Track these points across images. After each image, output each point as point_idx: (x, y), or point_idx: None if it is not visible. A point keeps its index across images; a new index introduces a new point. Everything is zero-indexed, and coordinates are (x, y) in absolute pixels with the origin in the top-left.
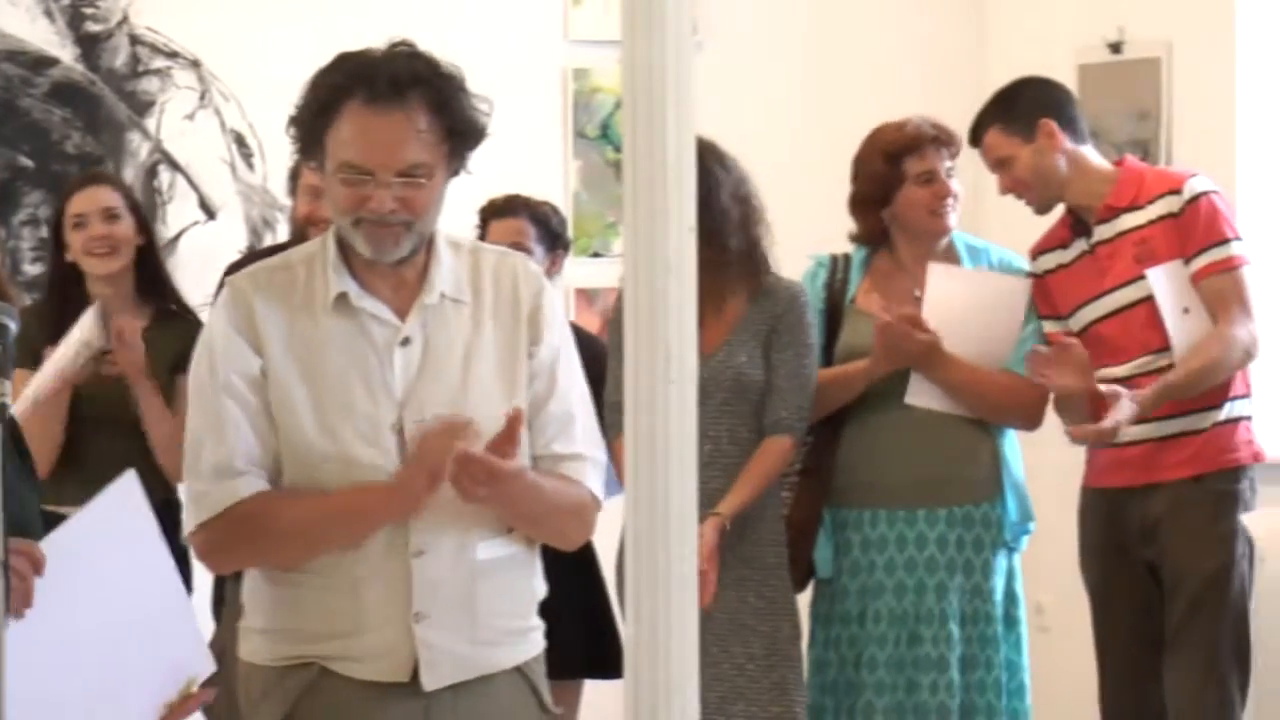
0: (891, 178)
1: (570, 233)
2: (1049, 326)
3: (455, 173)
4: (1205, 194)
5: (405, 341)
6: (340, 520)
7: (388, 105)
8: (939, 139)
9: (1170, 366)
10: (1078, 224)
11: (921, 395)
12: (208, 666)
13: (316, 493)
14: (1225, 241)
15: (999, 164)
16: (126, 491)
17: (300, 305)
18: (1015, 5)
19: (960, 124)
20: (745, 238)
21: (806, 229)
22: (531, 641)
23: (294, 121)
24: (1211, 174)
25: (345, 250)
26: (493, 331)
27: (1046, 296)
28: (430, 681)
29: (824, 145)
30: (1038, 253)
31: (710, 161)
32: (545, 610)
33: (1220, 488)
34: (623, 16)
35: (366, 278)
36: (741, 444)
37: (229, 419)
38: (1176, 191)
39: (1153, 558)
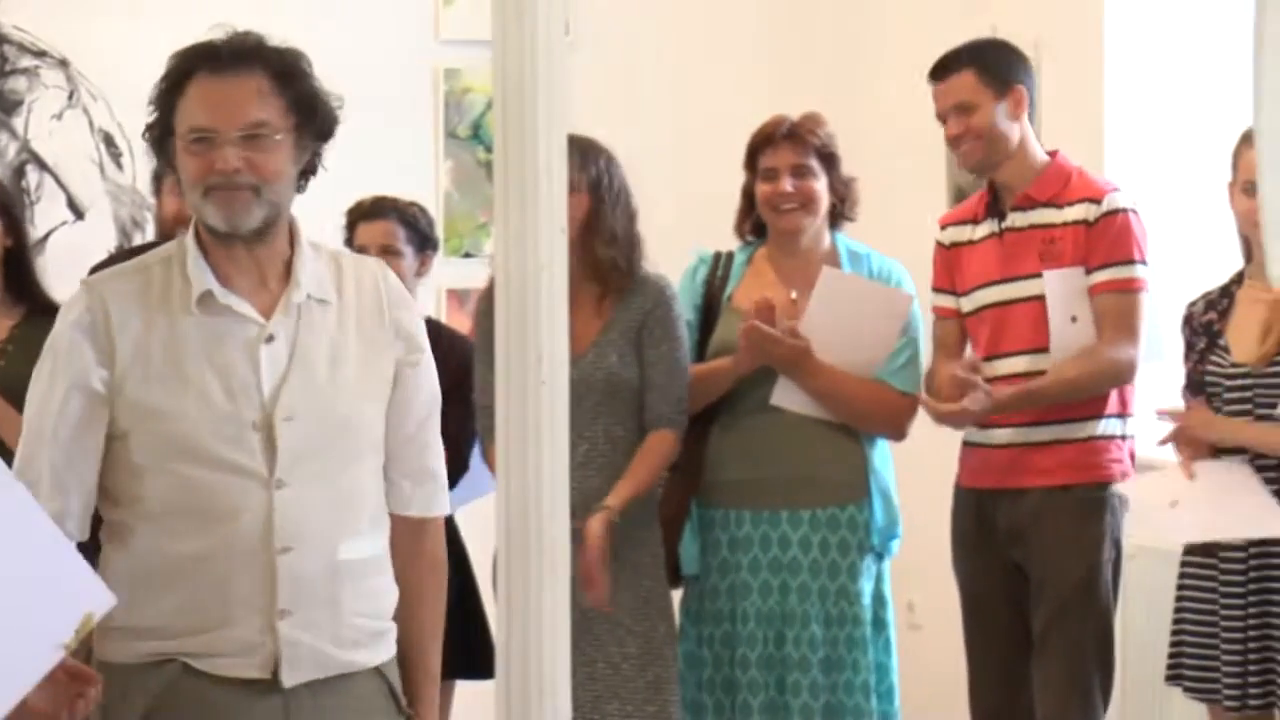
0: (751, 174)
1: (441, 233)
2: (938, 299)
3: (310, 164)
4: (1124, 210)
5: (270, 339)
6: None
7: (230, 72)
8: (793, 135)
9: (1040, 373)
10: (994, 204)
11: (787, 398)
12: (107, 599)
13: None
14: (1130, 262)
15: (960, 107)
16: None
17: (157, 307)
18: (888, 6)
19: (833, 121)
20: (628, 237)
21: (678, 226)
22: (389, 643)
23: (149, 126)
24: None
25: (206, 248)
26: (356, 335)
27: (946, 268)
28: (290, 679)
29: (696, 144)
30: (946, 224)
31: (601, 159)
32: None
33: (1088, 495)
34: (494, 16)
35: (229, 275)
36: (617, 443)
37: (56, 438)
38: (1097, 201)
39: (1020, 559)
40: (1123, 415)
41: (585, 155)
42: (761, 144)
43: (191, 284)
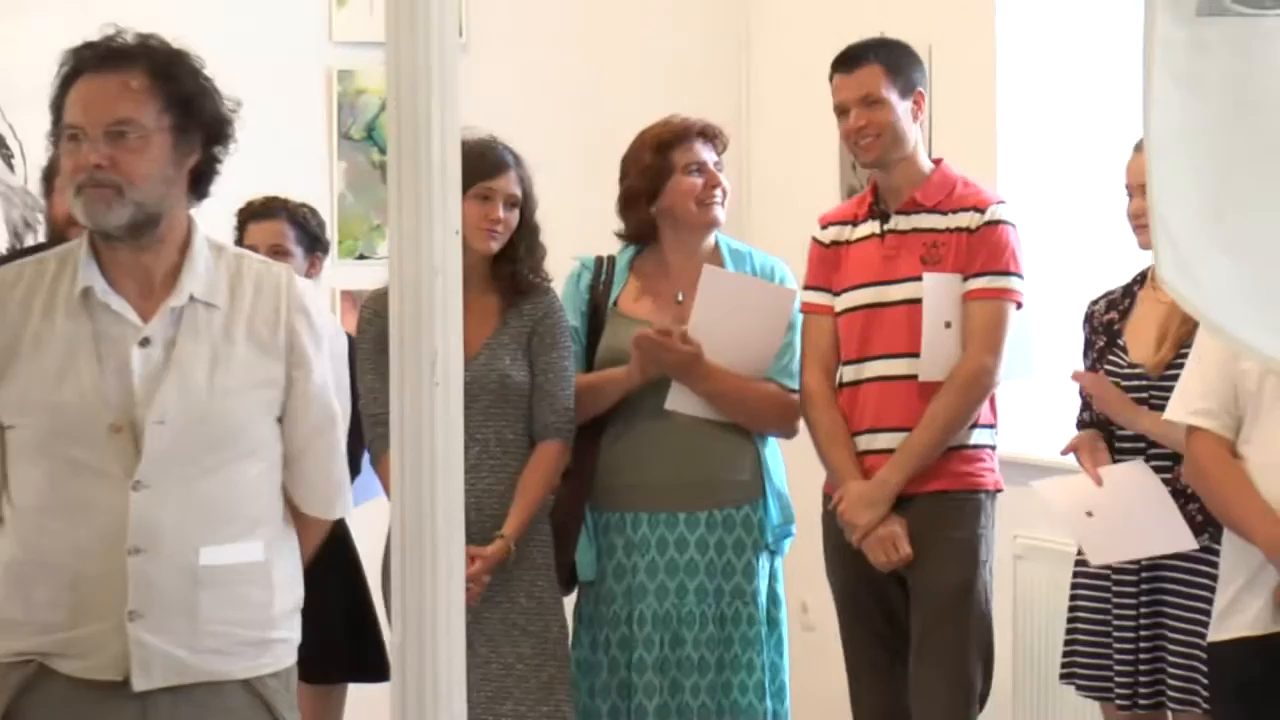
0: (661, 169)
1: (335, 235)
2: (812, 296)
3: (202, 168)
4: (1005, 223)
5: (145, 342)
6: None
7: (104, 70)
8: (705, 133)
9: (910, 376)
10: (875, 206)
11: (681, 402)
12: None
13: None
14: (1006, 273)
15: (865, 100)
16: None
17: (43, 303)
18: (781, 8)
19: (723, 122)
20: (538, 251)
21: (568, 230)
22: (272, 655)
23: (52, 124)
24: (973, 171)
25: (97, 249)
26: (245, 341)
27: (823, 265)
28: (141, 683)
29: (588, 147)
30: (827, 223)
31: (527, 173)
32: (307, 614)
33: (963, 502)
34: (387, 18)
35: (114, 274)
36: (507, 445)
37: None
38: (981, 210)
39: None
40: (992, 426)
41: (522, 170)
42: (677, 139)
43: (77, 280)
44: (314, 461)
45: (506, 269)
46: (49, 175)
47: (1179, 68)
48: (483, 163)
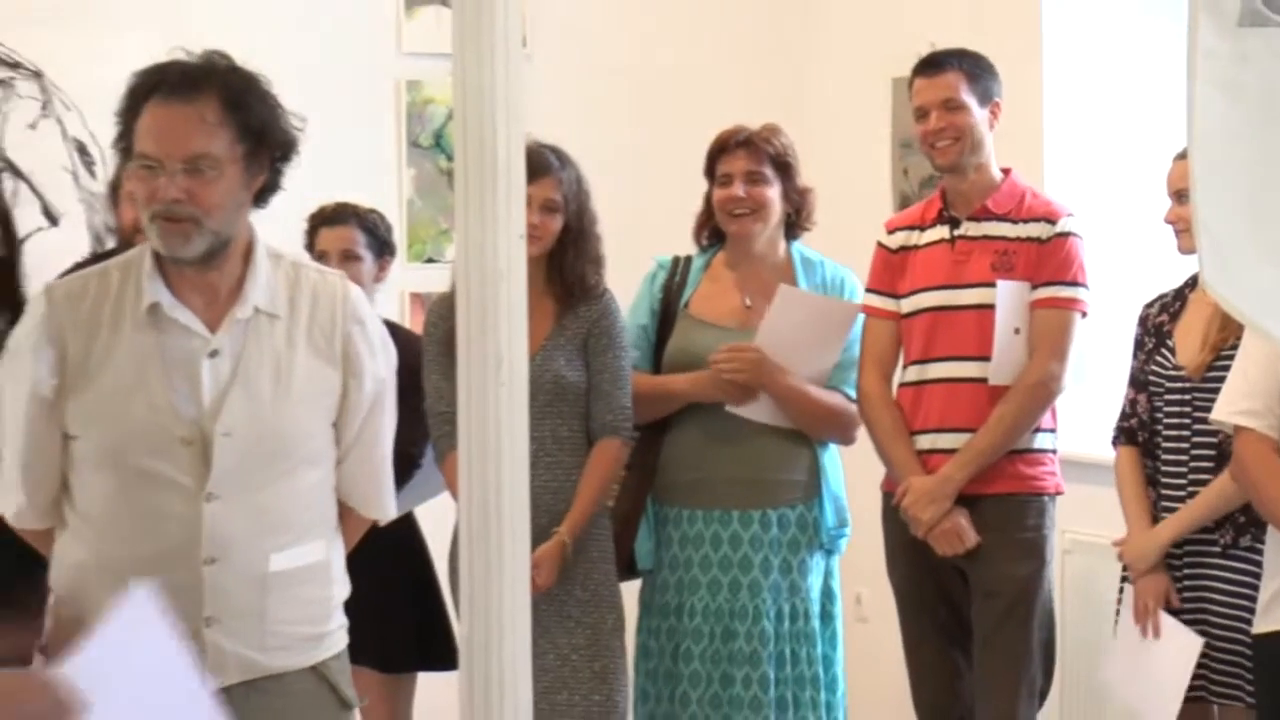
0: (711, 179)
1: (404, 239)
2: (873, 300)
3: (267, 184)
4: (1073, 235)
5: (214, 354)
6: None
7: (179, 99)
8: (749, 143)
9: (980, 379)
10: (944, 211)
11: (743, 408)
12: None
13: None
14: (1074, 284)
15: (946, 103)
16: (143, 603)
17: (110, 315)
18: (834, 20)
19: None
20: (598, 256)
21: (631, 231)
22: (328, 643)
23: (118, 139)
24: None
25: (160, 260)
26: (306, 350)
27: (888, 270)
28: (216, 681)
29: (648, 152)
30: (894, 228)
31: (577, 178)
32: (379, 606)
33: (1026, 504)
34: (454, 30)
35: (180, 287)
36: (562, 443)
37: (19, 437)
38: (1051, 222)
39: (958, 563)
40: (1053, 430)
41: (565, 174)
42: (718, 151)
43: (143, 295)
44: (366, 465)
45: (559, 273)
46: (115, 186)
47: (1221, 76)
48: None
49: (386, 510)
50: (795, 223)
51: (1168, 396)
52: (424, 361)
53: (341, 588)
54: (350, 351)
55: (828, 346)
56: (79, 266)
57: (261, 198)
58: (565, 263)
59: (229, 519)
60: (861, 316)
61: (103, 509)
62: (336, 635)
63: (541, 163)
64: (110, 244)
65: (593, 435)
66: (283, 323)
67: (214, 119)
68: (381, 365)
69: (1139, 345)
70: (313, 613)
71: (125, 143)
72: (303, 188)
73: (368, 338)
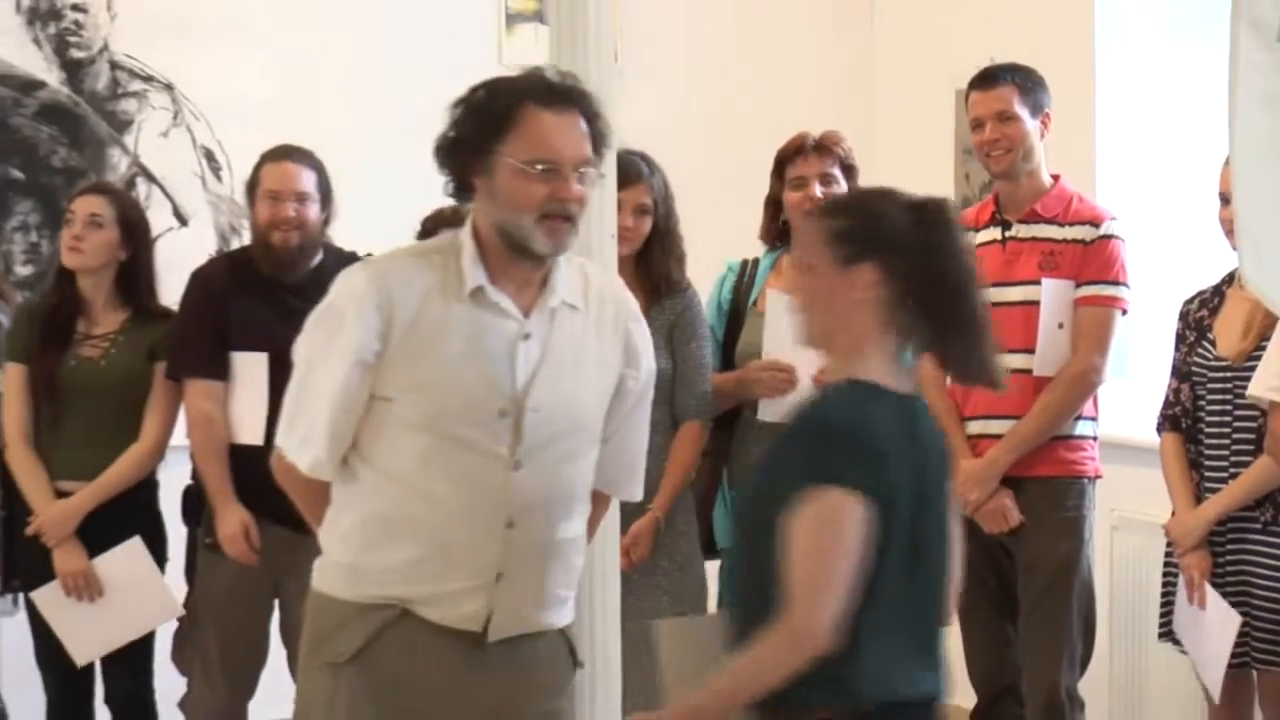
0: (779, 183)
1: None
2: None
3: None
4: (1115, 237)
5: (527, 337)
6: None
7: (564, 108)
8: (820, 147)
9: (1025, 370)
10: (997, 214)
11: (771, 412)
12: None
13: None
14: (1116, 283)
15: (1000, 115)
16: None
17: (434, 292)
18: (901, 36)
19: (851, 138)
20: (681, 253)
21: (710, 234)
22: (572, 606)
23: (457, 140)
24: (1073, 182)
25: (482, 248)
26: (597, 339)
27: None
28: (496, 634)
29: (728, 160)
30: None
31: (663, 182)
32: None
33: (1068, 486)
34: (552, 44)
35: (498, 275)
36: (652, 425)
37: (328, 397)
38: (1095, 225)
39: (1005, 541)
40: (1094, 418)
41: (655, 180)
42: (790, 155)
43: (466, 278)
44: (627, 452)
45: (647, 270)
46: (251, 187)
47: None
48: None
49: (635, 493)
50: None
51: (1210, 385)
52: None
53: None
54: (631, 344)
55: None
56: (215, 261)
57: None
58: (653, 260)
59: (531, 487)
60: None
61: (412, 467)
62: (573, 603)
63: (634, 170)
64: (235, 243)
65: (677, 419)
66: (581, 314)
67: (585, 128)
68: (651, 359)
69: (1180, 339)
70: (571, 579)
71: (481, 148)
72: (412, 194)
73: (644, 334)
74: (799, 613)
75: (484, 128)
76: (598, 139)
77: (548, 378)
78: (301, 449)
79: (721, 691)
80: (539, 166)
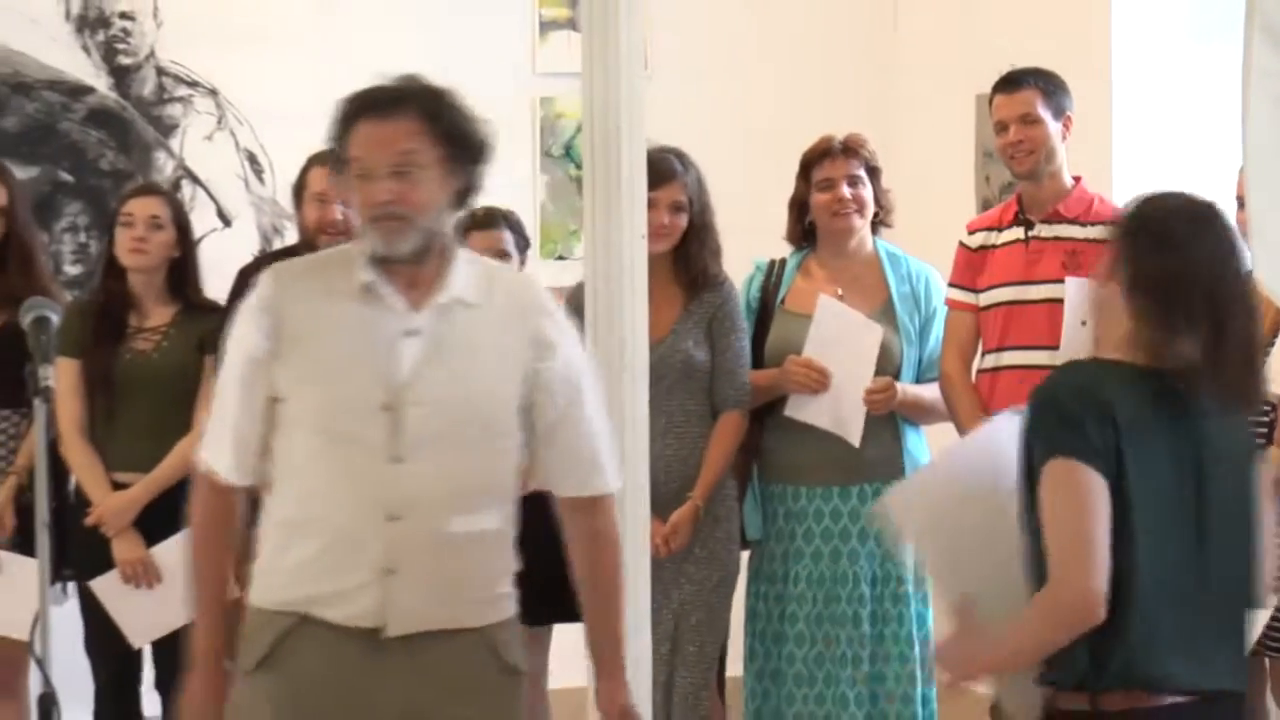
0: (805, 185)
1: (537, 238)
2: (955, 294)
3: (464, 187)
4: None
5: (413, 332)
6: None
7: (385, 114)
8: (846, 150)
9: (1049, 366)
10: (1020, 214)
11: (799, 410)
12: None
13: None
14: None
15: (1024, 118)
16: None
17: (325, 293)
18: (923, 43)
19: (876, 141)
20: (718, 248)
21: (736, 233)
22: (497, 608)
23: (332, 155)
24: (1090, 183)
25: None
26: (497, 336)
27: (969, 267)
28: (394, 629)
29: (754, 163)
30: (974, 229)
31: (700, 180)
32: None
33: None
34: (583, 52)
35: (390, 274)
36: (689, 415)
37: (232, 399)
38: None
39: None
40: None
41: (689, 177)
42: (817, 158)
43: (356, 276)
44: (583, 448)
45: (685, 264)
46: (299, 190)
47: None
48: (650, 173)
49: (608, 484)
50: (880, 220)
51: None
52: None
53: (512, 560)
54: (541, 338)
55: (862, 363)
56: (260, 261)
57: (461, 200)
58: (690, 255)
59: (416, 481)
60: (879, 335)
61: (303, 466)
62: (504, 603)
63: (668, 168)
64: (277, 243)
65: (716, 409)
66: (479, 311)
67: (414, 128)
68: (572, 349)
69: None
70: (486, 577)
71: (339, 158)
72: None
73: (559, 326)
74: (1058, 582)
75: (337, 144)
76: (445, 134)
77: (436, 372)
78: (218, 456)
79: (990, 650)
80: (357, 173)
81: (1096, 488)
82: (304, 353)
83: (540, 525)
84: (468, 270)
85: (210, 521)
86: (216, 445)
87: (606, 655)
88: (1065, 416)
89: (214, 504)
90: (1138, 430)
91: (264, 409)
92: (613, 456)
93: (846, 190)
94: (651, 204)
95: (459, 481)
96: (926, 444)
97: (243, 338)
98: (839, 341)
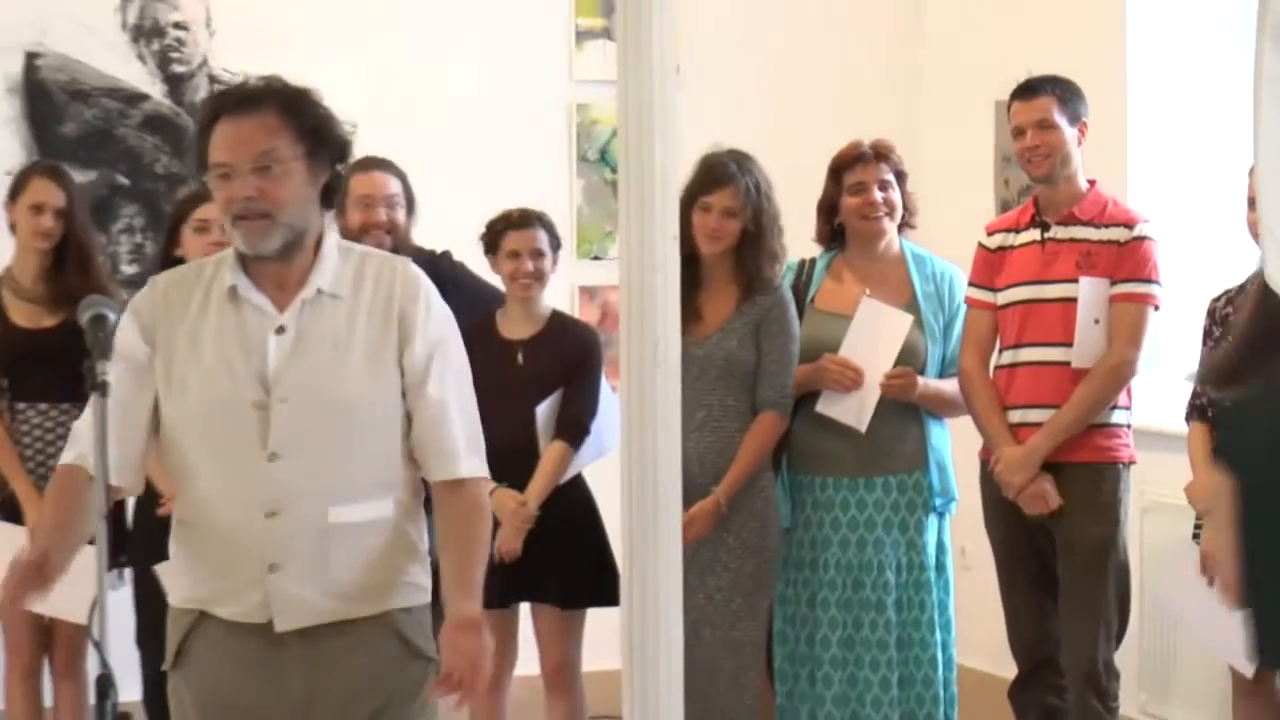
0: (835, 189)
1: (574, 239)
2: (974, 293)
3: (330, 183)
4: (1148, 238)
5: (280, 330)
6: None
7: (243, 113)
8: (877, 155)
9: (1064, 363)
10: (1036, 217)
11: (829, 406)
12: None
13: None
14: (1148, 281)
15: (1040, 124)
16: None
17: (198, 299)
18: (944, 53)
19: (902, 147)
20: (776, 254)
21: None
22: (398, 596)
23: (196, 158)
24: (1106, 186)
25: (243, 256)
26: (365, 326)
27: (987, 267)
28: (283, 624)
29: (783, 166)
30: (993, 231)
31: (762, 185)
32: (559, 553)
33: (1104, 471)
34: (618, 60)
35: (256, 275)
36: (729, 411)
37: (114, 400)
38: (1129, 227)
39: (1045, 523)
40: (1128, 407)
41: (744, 182)
42: (848, 163)
43: (225, 281)
44: (419, 430)
45: (739, 267)
46: (343, 193)
47: None
48: (705, 178)
49: (460, 469)
50: (905, 222)
51: None
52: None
53: (414, 547)
54: (404, 322)
55: (883, 355)
56: None
57: (327, 198)
58: (743, 258)
59: (292, 476)
60: (908, 323)
61: (191, 470)
62: (408, 590)
63: (724, 173)
64: None
65: (756, 407)
66: (345, 303)
67: (274, 124)
68: (435, 333)
69: (1207, 334)
70: (376, 564)
71: (201, 160)
72: (489, 195)
73: (422, 309)
74: None
75: (197, 147)
76: (305, 131)
77: (300, 367)
78: (70, 445)
79: None
80: (216, 172)
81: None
82: (180, 359)
83: (573, 511)
84: (338, 262)
85: (71, 499)
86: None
87: (457, 581)
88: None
89: (77, 490)
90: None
91: (148, 414)
92: (471, 442)
93: (877, 194)
94: (706, 207)
95: (334, 473)
96: (950, 438)
97: (118, 342)
98: (872, 337)
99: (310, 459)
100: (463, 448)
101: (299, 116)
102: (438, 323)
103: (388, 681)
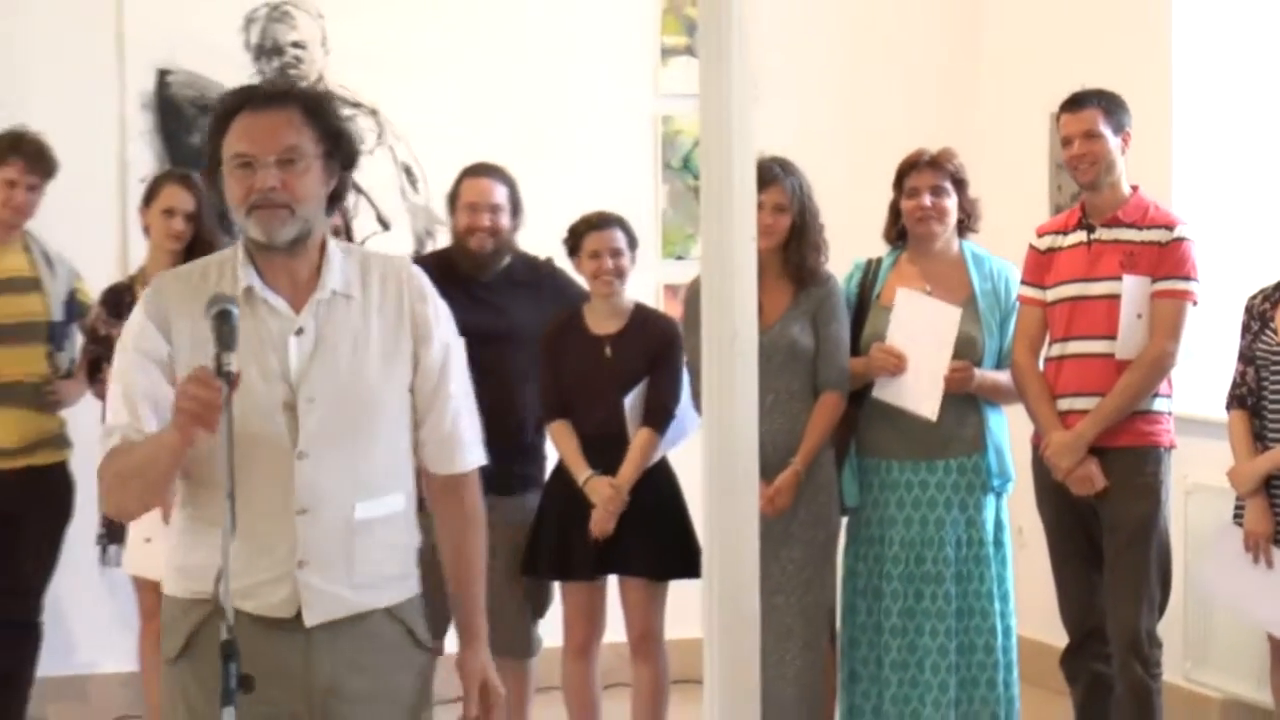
0: (898, 192)
1: (659, 241)
2: (1026, 291)
3: (336, 190)
4: (1187, 240)
5: (299, 331)
6: (143, 464)
7: (266, 107)
8: (933, 162)
9: (1109, 355)
10: (1083, 220)
11: (883, 390)
12: None
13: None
14: (1187, 279)
15: (1087, 134)
16: None
17: (209, 300)
18: (1001, 66)
19: (964, 155)
20: (820, 248)
21: (838, 235)
22: (405, 585)
23: (208, 151)
24: (1151, 190)
25: (252, 254)
26: (378, 324)
27: (1037, 267)
28: (311, 619)
29: (851, 173)
30: (1043, 233)
31: (804, 186)
32: (648, 528)
33: (1146, 455)
34: (700, 76)
35: (269, 275)
36: (794, 394)
37: (131, 389)
38: (1169, 229)
39: (1093, 502)
40: (1169, 395)
41: (790, 181)
42: (907, 169)
43: (239, 281)
44: (442, 427)
45: (790, 259)
46: (453, 198)
47: None
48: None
49: (470, 460)
50: (966, 225)
51: (1272, 368)
52: (685, 328)
53: (416, 537)
54: (418, 322)
55: (940, 346)
56: (420, 259)
57: (333, 203)
58: (791, 251)
59: (319, 474)
60: (957, 316)
61: (209, 468)
62: (411, 581)
63: (769, 174)
64: (430, 246)
65: (818, 389)
66: (357, 302)
67: (299, 121)
68: (446, 331)
69: (1245, 328)
70: (394, 556)
71: (214, 154)
72: (582, 201)
73: (432, 309)
74: None
75: (213, 137)
76: (324, 132)
77: (322, 368)
78: (106, 439)
79: None
80: (236, 161)
81: None
82: (197, 361)
83: (659, 491)
84: (343, 263)
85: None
86: (108, 434)
87: (468, 624)
88: None
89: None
90: None
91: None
92: (476, 434)
93: (928, 199)
94: (758, 206)
95: (357, 470)
96: (1007, 422)
97: (142, 344)
98: (919, 328)
99: (337, 457)
100: (471, 441)
101: (321, 118)
102: (446, 321)
103: (398, 670)
